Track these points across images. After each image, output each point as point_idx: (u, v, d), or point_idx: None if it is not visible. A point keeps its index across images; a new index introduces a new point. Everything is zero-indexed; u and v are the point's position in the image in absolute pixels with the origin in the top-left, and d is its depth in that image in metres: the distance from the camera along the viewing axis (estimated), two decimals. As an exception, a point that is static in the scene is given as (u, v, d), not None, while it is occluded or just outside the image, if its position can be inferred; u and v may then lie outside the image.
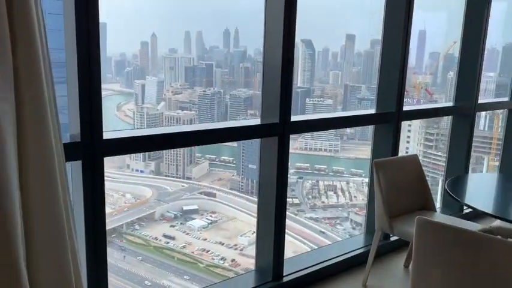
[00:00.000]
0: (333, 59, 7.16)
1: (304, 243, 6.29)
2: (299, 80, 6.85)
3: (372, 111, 3.30)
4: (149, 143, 2.27)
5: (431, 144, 6.53)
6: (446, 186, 2.65)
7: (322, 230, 6.56)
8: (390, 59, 3.26)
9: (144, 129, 4.38)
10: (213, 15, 6.26)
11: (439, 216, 2.98)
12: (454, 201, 2.61)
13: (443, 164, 5.53)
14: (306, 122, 2.89)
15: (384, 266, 3.17)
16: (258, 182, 2.80)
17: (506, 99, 4.46)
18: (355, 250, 3.17)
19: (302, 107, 6.63)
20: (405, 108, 3.44)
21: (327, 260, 2.98)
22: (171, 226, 5.98)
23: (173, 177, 6.08)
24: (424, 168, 5.99)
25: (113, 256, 5.60)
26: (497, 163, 6.53)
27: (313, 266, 2.93)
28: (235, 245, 5.97)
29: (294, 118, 2.74)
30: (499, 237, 2.95)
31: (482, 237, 1.93)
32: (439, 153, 6.19)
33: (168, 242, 5.87)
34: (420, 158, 6.18)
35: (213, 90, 6.20)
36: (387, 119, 3.27)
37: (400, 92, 3.28)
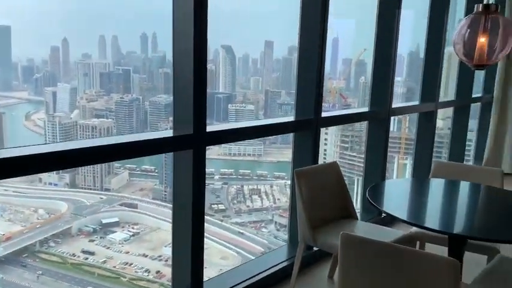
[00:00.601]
0: (253, 65, 7.08)
1: (230, 248, 6.14)
2: (221, 85, 6.67)
3: (291, 118, 3.12)
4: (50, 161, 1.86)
5: (346, 145, 6.64)
6: (367, 195, 2.52)
7: (241, 231, 6.44)
8: (307, 66, 3.10)
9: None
10: (128, 19, 5.88)
11: (361, 225, 2.85)
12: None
13: (359, 164, 5.58)
14: (224, 132, 2.62)
15: (309, 278, 2.99)
16: (172, 202, 2.50)
17: (416, 103, 4.52)
18: (279, 264, 2.96)
19: (225, 112, 6.45)
20: (323, 114, 3.30)
21: (250, 278, 2.73)
22: (90, 241, 5.54)
23: (90, 189, 5.64)
24: (341, 168, 6.03)
25: (25, 277, 5.06)
26: (406, 161, 6.76)
27: (237, 285, 2.68)
28: (160, 256, 5.68)
29: (210, 128, 2.46)
30: (418, 243, 2.95)
31: (401, 249, 1.89)
32: (354, 154, 6.30)
33: (87, 258, 5.43)
34: (337, 159, 6.29)
35: (131, 96, 5.82)
36: (306, 126, 3.10)
37: (318, 98, 3.12)
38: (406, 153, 6.67)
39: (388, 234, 2.67)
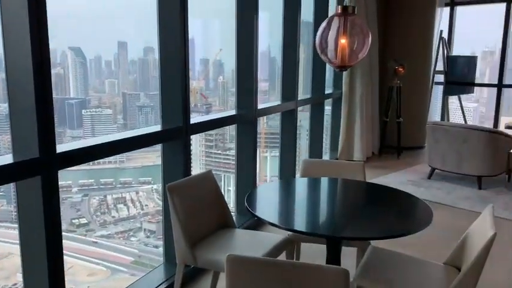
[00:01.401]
0: (107, 67, 6.52)
1: (98, 263, 5.59)
2: (72, 90, 5.99)
3: (158, 127, 2.82)
4: None
5: (211, 144, 6.55)
6: (246, 203, 2.37)
7: (108, 244, 5.92)
8: (170, 70, 2.82)
9: None
10: None
11: (241, 234, 2.69)
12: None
13: (224, 161, 5.52)
14: (80, 151, 2.19)
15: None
16: (18, 226, 2.03)
17: (279, 102, 4.55)
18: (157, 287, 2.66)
19: (78, 119, 5.81)
20: (193, 120, 3.06)
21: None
22: None
23: None
24: (208, 167, 5.87)
25: None
26: (267, 154, 6.92)
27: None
28: (15, 284, 4.88)
29: (61, 148, 2.04)
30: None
31: (289, 264, 1.88)
32: (219, 152, 6.24)
33: None
34: (203, 157, 6.16)
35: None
36: (175, 135, 2.82)
37: (185, 104, 2.87)
38: (267, 146, 6.82)
39: (268, 240, 2.56)
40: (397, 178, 5.76)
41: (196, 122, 3.08)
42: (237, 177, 3.87)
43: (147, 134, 2.66)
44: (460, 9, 9.14)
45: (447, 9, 9.14)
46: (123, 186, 6.43)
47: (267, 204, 2.62)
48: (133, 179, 6.47)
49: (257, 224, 3.73)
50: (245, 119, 3.73)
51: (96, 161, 6.25)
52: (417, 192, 5.11)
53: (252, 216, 3.70)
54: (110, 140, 2.40)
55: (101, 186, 6.26)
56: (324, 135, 6.61)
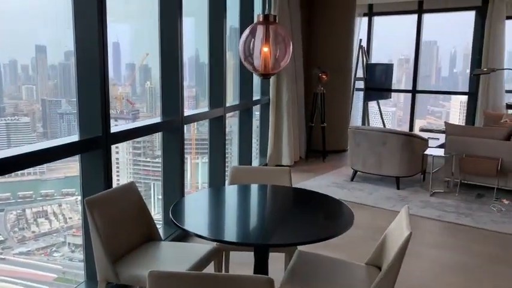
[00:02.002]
0: (23, 72, 6.07)
1: (16, 283, 5.16)
2: (-18, 97, 5.49)
3: (76, 137, 2.64)
4: None
5: (139, 152, 6.34)
6: (171, 215, 2.28)
7: (28, 261, 5.50)
8: (88, 75, 2.66)
9: None
10: None
11: (166, 247, 2.58)
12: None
13: (153, 169, 5.34)
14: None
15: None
16: None
17: (206, 109, 4.49)
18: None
19: (-9, 128, 5.34)
20: (114, 129, 2.91)
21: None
22: None
23: None
24: (136, 175, 5.67)
25: None
26: (198, 161, 6.82)
27: None
28: None
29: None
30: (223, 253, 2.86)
31: (213, 277, 1.81)
32: (148, 159, 6.05)
33: None
34: (131, 166, 5.93)
35: None
36: (94, 146, 2.66)
37: (105, 112, 2.72)
38: (197, 153, 6.73)
39: (194, 252, 2.49)
40: (322, 181, 5.92)
41: (117, 130, 2.93)
42: (163, 186, 3.75)
43: (62, 145, 2.47)
44: (377, 19, 9.67)
45: (366, 19, 9.62)
46: (44, 198, 6.00)
47: (195, 214, 2.55)
48: (55, 191, 6.05)
49: (186, 234, 3.64)
50: (171, 127, 3.63)
51: (12, 174, 5.79)
52: (341, 194, 5.29)
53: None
54: (18, 154, 2.20)
55: (19, 200, 5.79)
56: (255, 141, 6.64)
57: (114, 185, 2.96)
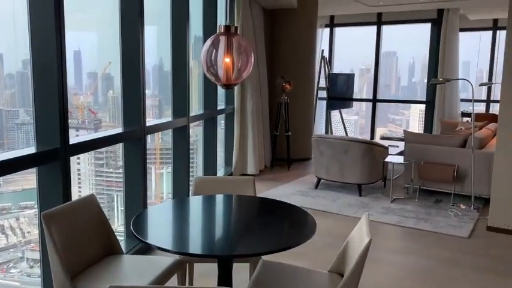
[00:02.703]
0: (-22, 81, 5.83)
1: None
2: None
3: (32, 150, 2.55)
4: None
5: (102, 162, 6.18)
6: (132, 228, 2.23)
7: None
8: (45, 85, 2.58)
9: None
10: None
11: (127, 261, 2.52)
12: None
13: (116, 180, 5.22)
14: None
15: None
16: None
17: (170, 119, 4.44)
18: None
19: None
20: (73, 140, 2.82)
21: None
22: None
23: None
24: (99, 186, 5.52)
25: None
26: (163, 171, 6.73)
27: None
28: None
29: None
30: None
31: None
32: (111, 170, 5.92)
33: None
34: (93, 177, 5.77)
35: None
36: (52, 157, 2.58)
37: (63, 122, 2.64)
38: (162, 163, 6.64)
39: (157, 265, 2.44)
40: (287, 189, 5.96)
41: (76, 142, 2.85)
42: (125, 198, 3.67)
43: (17, 157, 2.38)
44: (338, 30, 9.89)
45: (327, 30, 9.83)
46: (0, 212, 5.76)
47: (157, 226, 2.50)
48: (12, 204, 5.81)
49: (149, 247, 3.56)
50: (133, 137, 3.56)
51: (-35, 187, 5.51)
52: (305, 202, 5.34)
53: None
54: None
55: (-28, 215, 5.53)
56: (222, 150, 6.62)
57: (76, 197, 2.87)
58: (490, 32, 9.04)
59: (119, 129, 3.53)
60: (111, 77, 6.05)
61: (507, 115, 4.32)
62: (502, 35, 8.77)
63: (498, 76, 8.08)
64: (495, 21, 8.95)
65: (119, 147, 4.96)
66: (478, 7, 8.00)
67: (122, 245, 3.68)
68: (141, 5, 3.54)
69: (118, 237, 3.83)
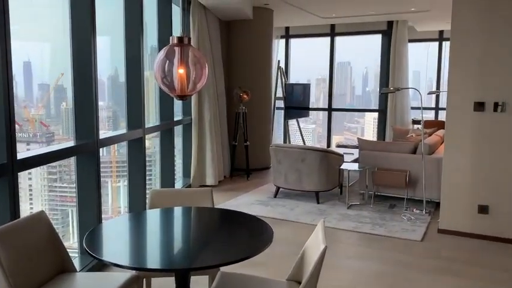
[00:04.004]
0: None
1: None
2: None
3: (-25, 166, 2.42)
4: None
5: (55, 177, 5.95)
6: (85, 245, 2.16)
7: None
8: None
9: None
10: None
11: (81, 279, 2.43)
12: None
13: (71, 195, 5.04)
14: None
15: None
16: None
17: (124, 131, 4.34)
18: None
19: None
20: (22, 155, 2.71)
21: None
22: None
23: None
24: (52, 202, 5.30)
25: None
26: (119, 184, 6.57)
27: None
28: None
29: None
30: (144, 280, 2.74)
31: None
32: (65, 185, 5.72)
33: None
34: (46, 192, 5.53)
35: None
36: (-2, 173, 2.47)
37: (10, 137, 2.53)
38: (118, 175, 6.48)
39: (112, 282, 2.37)
40: (246, 199, 5.96)
41: (25, 156, 2.74)
42: (79, 213, 3.55)
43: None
44: (294, 41, 10.08)
45: (283, 41, 9.99)
46: None
47: (113, 241, 2.43)
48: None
49: (104, 263, 3.45)
50: (85, 150, 3.46)
51: None
52: (264, 211, 5.36)
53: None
54: None
55: None
56: (180, 162, 6.53)
57: (28, 214, 2.75)
58: (437, 43, 9.49)
59: (70, 143, 3.42)
60: (64, 89, 5.86)
61: (453, 122, 4.53)
62: (447, 45, 9.23)
63: (445, 85, 8.51)
64: (441, 32, 9.41)
65: (73, 161, 4.81)
66: (424, 19, 8.39)
67: (77, 262, 3.55)
68: (93, 15, 3.47)
69: (73, 254, 3.70)
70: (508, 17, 4.19)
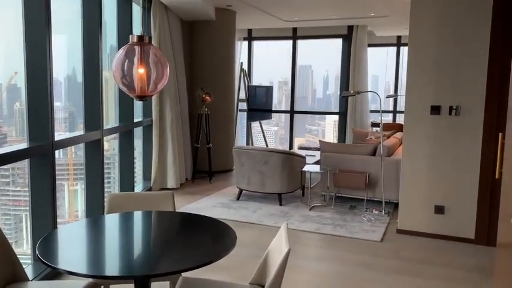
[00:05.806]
0: None
1: None
2: None
3: None
4: None
5: (8, 180, 5.68)
6: (37, 252, 2.04)
7: None
8: None
9: None
10: None
11: (34, 287, 2.31)
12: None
13: (25, 199, 4.82)
14: None
15: None
16: None
17: (82, 132, 4.18)
18: None
19: None
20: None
21: None
22: None
23: None
24: (4, 206, 5.04)
25: None
26: (77, 187, 6.34)
27: None
28: None
29: None
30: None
31: None
32: (18, 188, 5.46)
33: None
34: (-2, 197, 5.26)
35: None
36: None
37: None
38: (76, 178, 6.26)
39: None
40: (209, 202, 5.89)
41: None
42: (32, 218, 3.38)
43: None
44: (256, 44, 10.09)
45: (246, 43, 9.98)
46: None
47: (68, 248, 2.31)
48: None
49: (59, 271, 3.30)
50: (39, 152, 3.29)
51: None
52: (227, 214, 5.31)
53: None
54: None
55: None
56: (140, 164, 6.37)
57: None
58: (395, 48, 9.76)
59: (24, 145, 3.25)
60: (18, 88, 5.60)
61: (411, 125, 4.65)
62: (405, 50, 9.51)
63: (403, 88, 8.73)
64: (399, 37, 9.69)
65: (28, 163, 4.59)
66: (383, 25, 8.61)
67: (29, 270, 3.37)
68: (48, 12, 3.31)
69: (26, 261, 3.52)
70: (461, 22, 4.35)
